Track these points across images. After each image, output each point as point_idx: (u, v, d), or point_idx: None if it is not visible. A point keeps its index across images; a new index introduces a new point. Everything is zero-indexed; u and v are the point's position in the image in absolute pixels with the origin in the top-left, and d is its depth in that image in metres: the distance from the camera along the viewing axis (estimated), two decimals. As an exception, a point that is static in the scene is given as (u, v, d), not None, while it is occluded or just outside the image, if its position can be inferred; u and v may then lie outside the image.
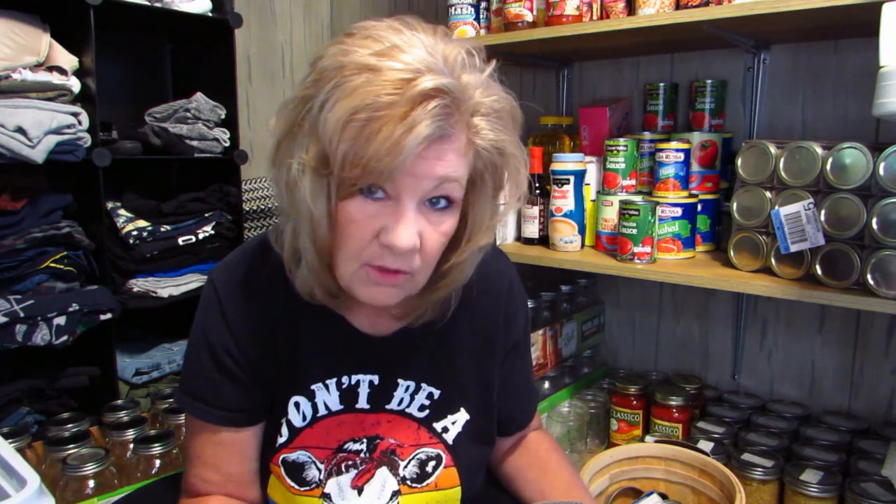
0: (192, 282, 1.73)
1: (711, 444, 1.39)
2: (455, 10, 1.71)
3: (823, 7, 1.12)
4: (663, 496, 1.12)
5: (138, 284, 1.65)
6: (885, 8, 0.93)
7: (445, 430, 0.83)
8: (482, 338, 0.86)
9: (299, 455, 0.80)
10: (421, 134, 0.59)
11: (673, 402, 1.52)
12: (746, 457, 1.33)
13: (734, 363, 1.68)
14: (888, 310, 1.12)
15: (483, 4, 1.71)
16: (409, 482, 0.82)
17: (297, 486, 0.80)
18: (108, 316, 1.52)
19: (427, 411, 0.83)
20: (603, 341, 1.91)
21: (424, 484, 0.82)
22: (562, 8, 1.49)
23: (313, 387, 0.80)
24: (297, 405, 0.80)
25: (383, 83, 0.60)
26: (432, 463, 0.82)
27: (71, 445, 1.20)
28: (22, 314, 1.37)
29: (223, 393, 0.79)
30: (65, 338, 1.43)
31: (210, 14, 1.74)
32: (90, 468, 1.12)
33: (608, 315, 1.90)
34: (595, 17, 1.53)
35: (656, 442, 1.28)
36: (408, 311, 0.79)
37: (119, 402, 1.46)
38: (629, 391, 1.58)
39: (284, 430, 0.80)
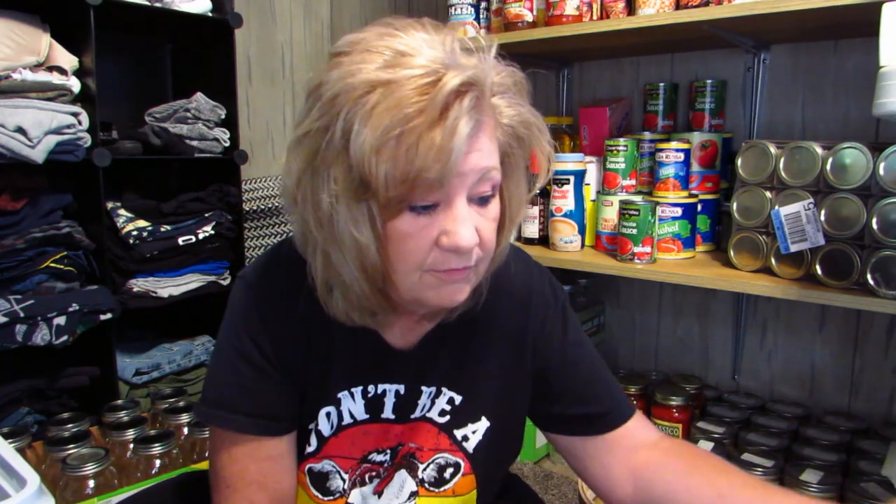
0: (192, 282, 1.73)
1: (711, 444, 1.39)
2: (455, 10, 1.72)
3: (823, 7, 1.12)
4: (663, 496, 1.12)
5: (138, 284, 1.64)
6: (885, 8, 0.93)
7: (466, 438, 0.82)
8: (509, 348, 0.83)
9: (324, 465, 0.79)
10: (463, 132, 0.58)
11: (673, 402, 1.52)
12: (746, 457, 1.33)
13: (734, 363, 1.68)
14: (888, 310, 1.12)
15: (483, 4, 1.72)
16: (427, 485, 0.81)
17: (320, 496, 0.79)
18: (108, 316, 1.52)
19: (448, 417, 0.81)
20: (603, 341, 1.90)
21: (442, 489, 0.81)
22: (562, 8, 1.49)
23: (339, 395, 0.78)
24: (328, 415, 0.78)
25: (407, 93, 0.58)
26: (451, 469, 0.81)
27: (71, 445, 1.20)
28: (22, 314, 1.37)
29: (265, 400, 0.76)
30: (65, 338, 1.43)
31: (210, 14, 1.74)
32: (90, 468, 1.12)
33: (608, 315, 1.90)
34: (595, 17, 1.53)
35: (656, 442, 1.28)
36: (443, 310, 0.77)
37: (119, 402, 1.46)
38: (629, 391, 1.58)
39: (313, 440, 0.79)
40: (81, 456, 1.16)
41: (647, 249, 1.40)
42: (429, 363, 0.80)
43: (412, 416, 0.80)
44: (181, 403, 1.41)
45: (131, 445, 1.25)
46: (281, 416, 0.77)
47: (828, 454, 1.33)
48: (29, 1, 1.46)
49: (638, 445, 0.83)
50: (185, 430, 1.34)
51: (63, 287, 1.49)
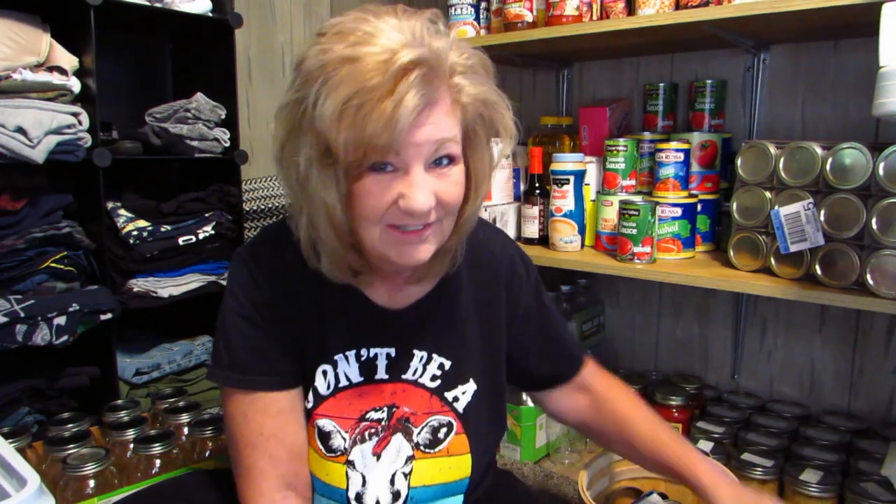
0: (192, 282, 1.73)
1: (711, 444, 1.39)
2: (455, 10, 1.72)
3: (823, 7, 1.12)
4: (663, 496, 1.12)
5: (138, 284, 1.64)
6: (885, 8, 0.93)
7: (456, 399, 0.89)
8: (487, 310, 0.92)
9: (325, 423, 0.85)
10: (410, 104, 0.64)
11: (673, 402, 1.52)
12: (746, 456, 1.33)
13: (734, 363, 1.68)
14: (888, 310, 1.12)
15: (483, 4, 1.72)
16: (422, 447, 0.87)
17: (325, 451, 0.85)
18: (108, 316, 1.52)
19: (438, 381, 0.88)
20: (603, 341, 1.90)
21: (437, 450, 0.87)
22: (562, 8, 1.49)
23: (336, 357, 0.85)
24: (324, 373, 0.85)
25: (365, 69, 0.65)
26: (444, 430, 0.87)
27: (71, 445, 1.20)
28: (22, 314, 1.37)
29: (270, 357, 0.83)
30: (65, 338, 1.43)
31: (210, 14, 1.74)
32: (90, 468, 1.12)
33: (608, 315, 1.90)
34: (595, 17, 1.53)
35: (656, 442, 1.28)
36: (422, 273, 0.84)
37: (119, 402, 1.46)
38: (629, 391, 1.58)
39: (311, 396, 0.85)
40: (81, 456, 1.16)
41: (647, 249, 1.40)
42: (418, 329, 0.87)
43: (403, 377, 0.87)
44: (181, 403, 1.41)
45: (131, 445, 1.25)
46: (287, 371, 0.84)
47: (827, 454, 1.34)
48: (29, 1, 1.46)
49: (586, 380, 1.03)
50: (185, 430, 1.34)
51: (63, 287, 1.49)
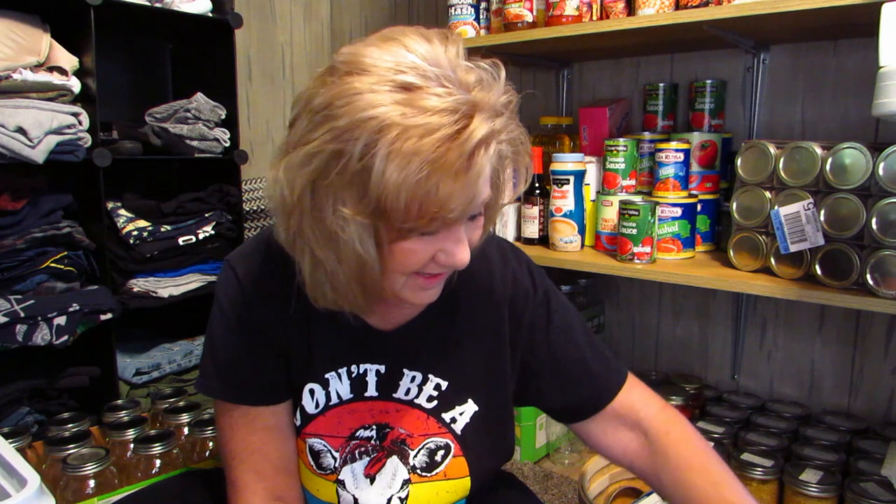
0: (192, 282, 1.73)
1: (711, 444, 1.39)
2: (455, 10, 1.72)
3: (823, 7, 1.12)
4: (663, 496, 1.12)
5: (138, 284, 1.65)
6: (885, 8, 0.93)
7: (454, 420, 0.85)
8: (488, 328, 0.87)
9: (314, 442, 0.83)
10: (485, 175, 0.63)
11: (673, 402, 1.52)
12: (746, 457, 1.33)
13: (734, 363, 1.68)
14: (888, 310, 1.12)
15: (483, 4, 1.71)
16: (419, 471, 0.84)
17: (315, 468, 0.84)
18: (108, 316, 1.52)
19: (435, 402, 0.85)
20: (603, 341, 1.91)
21: (434, 473, 0.84)
22: (562, 8, 1.49)
23: (327, 375, 0.83)
24: (311, 392, 0.83)
25: (436, 140, 0.60)
26: (441, 452, 0.84)
27: (71, 445, 1.20)
28: (22, 314, 1.37)
29: (255, 371, 0.81)
30: (65, 338, 1.43)
31: (210, 14, 1.74)
32: (90, 468, 1.12)
33: (608, 315, 1.90)
34: (595, 18, 1.53)
35: (656, 442, 1.28)
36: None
37: (119, 402, 1.46)
38: (629, 391, 1.58)
39: (298, 415, 0.84)
40: (81, 456, 1.16)
41: (647, 249, 1.40)
42: (411, 348, 0.84)
43: (394, 396, 0.84)
44: (181, 403, 1.41)
45: (131, 445, 1.25)
46: (273, 386, 0.82)
47: (827, 454, 1.34)
48: (29, 1, 1.46)
49: (638, 415, 0.87)
50: (185, 430, 1.34)
51: (63, 287, 1.49)
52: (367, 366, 0.84)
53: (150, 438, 1.23)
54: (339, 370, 0.83)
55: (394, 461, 0.83)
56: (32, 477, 0.69)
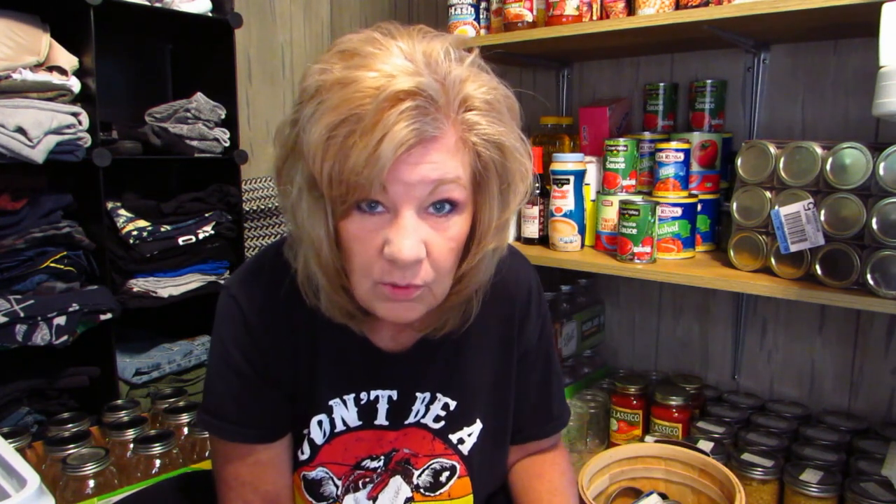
0: (192, 282, 1.73)
1: (711, 444, 1.39)
2: (455, 10, 1.71)
3: (823, 7, 1.12)
4: (663, 496, 1.12)
5: (138, 284, 1.64)
6: (885, 8, 0.93)
7: (461, 441, 0.82)
8: (498, 340, 0.84)
9: (318, 472, 0.80)
10: (396, 138, 0.56)
11: (673, 402, 1.52)
12: (746, 457, 1.33)
13: (734, 363, 1.68)
14: (888, 310, 1.12)
15: (483, 4, 1.71)
16: (422, 490, 0.82)
17: (314, 502, 0.80)
18: (108, 316, 1.52)
19: (443, 423, 0.81)
20: (603, 341, 1.90)
21: (437, 493, 0.82)
22: (562, 8, 1.49)
23: (331, 402, 0.78)
24: (319, 423, 0.79)
25: (357, 94, 0.58)
26: (446, 473, 0.82)
27: (71, 445, 1.20)
28: (22, 314, 1.37)
29: (253, 410, 0.77)
30: (65, 338, 1.43)
31: (210, 14, 1.74)
32: (90, 468, 1.12)
33: (608, 315, 1.90)
34: (595, 17, 1.53)
35: (656, 442, 1.28)
36: (429, 323, 0.75)
37: (119, 402, 1.46)
38: (629, 391, 1.58)
39: (306, 447, 0.80)
40: (81, 456, 1.16)
41: (647, 249, 1.40)
42: (422, 369, 0.80)
43: (406, 423, 0.80)
44: (181, 403, 1.41)
45: (131, 445, 1.25)
46: (270, 425, 0.78)
47: (828, 454, 1.33)
48: (29, 1, 1.46)
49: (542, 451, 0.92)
50: (185, 430, 1.34)
51: (63, 287, 1.49)
52: (379, 392, 0.79)
53: (150, 438, 1.23)
54: (346, 396, 0.79)
55: (397, 480, 0.81)
56: (32, 477, 0.69)
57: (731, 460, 1.34)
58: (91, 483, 1.13)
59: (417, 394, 0.80)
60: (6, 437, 1.24)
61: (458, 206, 0.64)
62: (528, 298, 0.86)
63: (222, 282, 1.79)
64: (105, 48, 1.55)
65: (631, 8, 1.45)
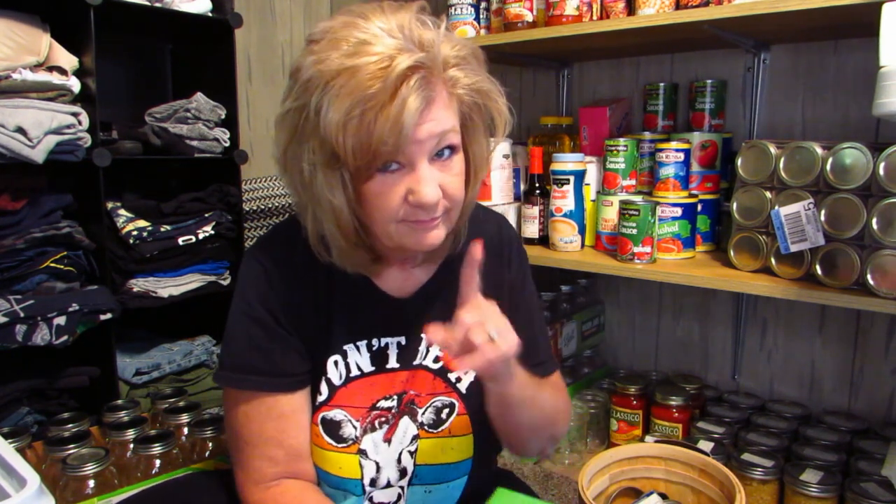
0: (192, 282, 1.73)
1: (711, 444, 1.39)
2: (455, 10, 1.72)
3: (823, 7, 1.12)
4: (663, 496, 1.12)
5: (138, 284, 1.64)
6: (885, 8, 0.93)
7: (459, 379, 0.91)
8: (493, 290, 0.88)
9: (336, 413, 0.86)
10: (412, 107, 0.68)
11: (673, 402, 1.52)
12: (746, 457, 1.33)
13: (734, 363, 1.68)
14: (888, 310, 1.12)
15: (483, 4, 1.71)
16: (426, 427, 0.89)
17: (334, 444, 0.86)
18: (108, 316, 1.51)
19: (441, 363, 0.90)
20: (603, 341, 1.90)
21: (440, 430, 0.89)
22: (562, 8, 1.49)
23: (345, 347, 0.87)
24: (336, 364, 0.87)
25: (365, 78, 0.67)
26: (446, 410, 0.90)
27: (71, 445, 1.20)
28: (22, 314, 1.37)
29: (277, 359, 0.84)
30: (65, 338, 1.43)
31: (210, 14, 1.73)
32: (90, 468, 1.12)
33: (608, 315, 1.90)
34: (595, 17, 1.53)
35: (656, 442, 1.28)
36: (429, 254, 0.86)
37: (119, 402, 1.46)
38: (629, 391, 1.58)
39: (324, 388, 0.87)
40: (81, 456, 1.16)
41: (647, 249, 1.40)
42: (424, 314, 0.87)
43: (414, 363, 0.89)
44: (181, 403, 1.40)
45: (131, 445, 1.25)
46: (292, 373, 0.85)
47: (828, 454, 1.33)
48: (29, 1, 1.46)
49: None
50: (185, 430, 1.33)
51: (63, 287, 1.49)
52: (388, 339, 0.88)
53: (150, 438, 1.23)
54: (359, 343, 0.87)
55: (405, 420, 0.88)
56: (32, 477, 0.69)
57: (732, 460, 1.34)
58: (91, 483, 1.13)
59: (423, 336, 0.86)
60: (6, 437, 1.23)
61: (456, 148, 0.77)
62: (509, 245, 0.97)
63: (223, 282, 1.79)
64: (105, 48, 1.54)
65: (631, 8, 1.45)
